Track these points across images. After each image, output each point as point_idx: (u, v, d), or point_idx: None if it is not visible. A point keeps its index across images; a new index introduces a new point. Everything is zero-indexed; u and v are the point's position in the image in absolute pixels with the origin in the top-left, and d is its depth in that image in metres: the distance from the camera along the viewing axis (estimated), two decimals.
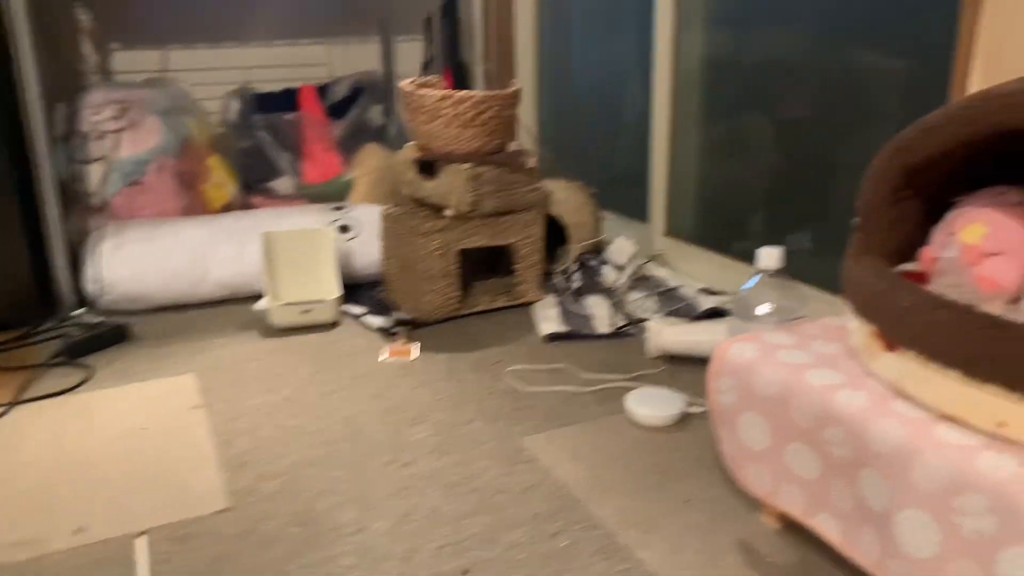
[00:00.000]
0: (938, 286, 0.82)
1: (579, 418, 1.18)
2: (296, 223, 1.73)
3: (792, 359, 0.82)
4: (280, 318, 1.54)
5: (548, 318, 1.54)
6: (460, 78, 2.33)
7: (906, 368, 0.72)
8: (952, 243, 0.83)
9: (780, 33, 1.62)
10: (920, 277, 0.85)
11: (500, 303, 1.63)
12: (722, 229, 1.82)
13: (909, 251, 0.89)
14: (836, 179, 1.56)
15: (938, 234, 0.88)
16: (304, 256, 1.65)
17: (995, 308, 0.74)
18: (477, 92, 1.48)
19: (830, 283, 1.54)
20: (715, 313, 1.49)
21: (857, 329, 0.80)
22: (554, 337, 1.48)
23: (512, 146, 1.61)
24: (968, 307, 0.66)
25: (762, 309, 0.96)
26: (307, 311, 1.54)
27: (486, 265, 1.74)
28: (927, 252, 0.87)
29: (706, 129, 1.83)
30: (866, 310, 0.78)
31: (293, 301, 1.54)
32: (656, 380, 1.30)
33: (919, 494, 0.66)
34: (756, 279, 0.98)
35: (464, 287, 1.63)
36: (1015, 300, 0.82)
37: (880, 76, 1.44)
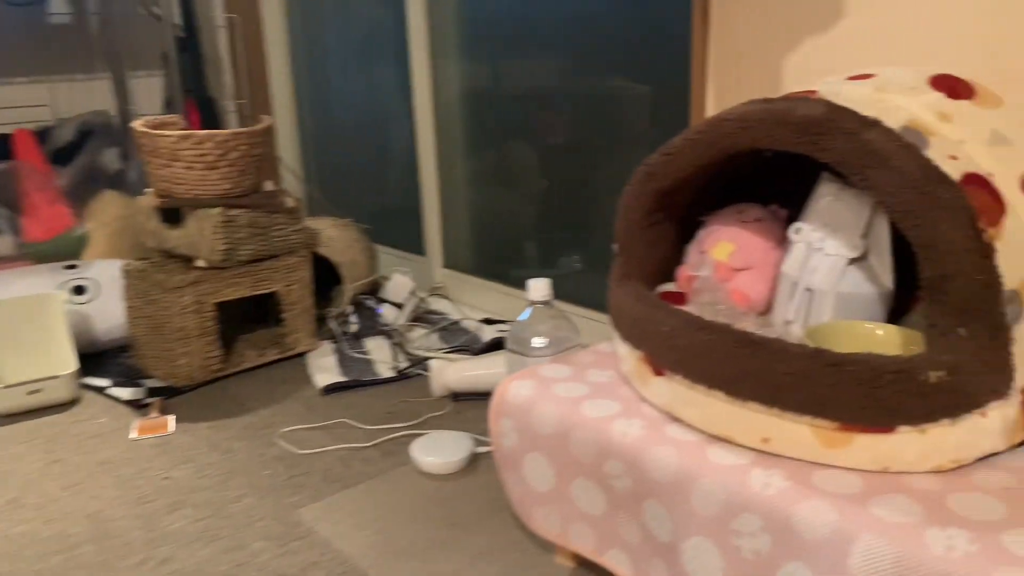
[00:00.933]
0: (697, 304, 0.84)
1: (362, 477, 1.09)
2: (18, 288, 1.48)
3: (568, 392, 0.80)
4: (3, 403, 1.30)
5: (324, 368, 1.44)
6: (209, 115, 2.16)
7: (674, 392, 0.71)
8: (705, 261, 0.85)
9: (533, 62, 1.65)
10: (680, 297, 0.86)
11: (270, 357, 1.50)
12: (498, 257, 1.81)
13: (668, 272, 0.91)
14: (599, 201, 1.60)
15: (692, 253, 0.90)
16: (29, 326, 1.42)
17: (750, 322, 0.76)
18: (221, 131, 1.35)
19: (603, 304, 1.58)
20: (499, 344, 1.47)
21: (627, 355, 0.80)
22: (332, 388, 1.38)
23: (268, 186, 1.50)
24: (724, 327, 0.67)
25: (537, 342, 0.93)
26: (36, 391, 1.32)
27: (250, 316, 1.60)
28: (683, 271, 0.89)
29: (473, 159, 1.83)
30: (632, 335, 0.77)
31: (17, 381, 1.32)
32: (443, 423, 1.24)
33: (700, 521, 0.65)
34: (528, 311, 0.96)
35: (226, 344, 1.48)
36: (766, 312, 0.86)
37: (630, 101, 1.50)
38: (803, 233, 0.75)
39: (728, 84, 1.12)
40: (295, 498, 1.05)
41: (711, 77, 1.13)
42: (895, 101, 0.70)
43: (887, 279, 0.72)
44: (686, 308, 0.84)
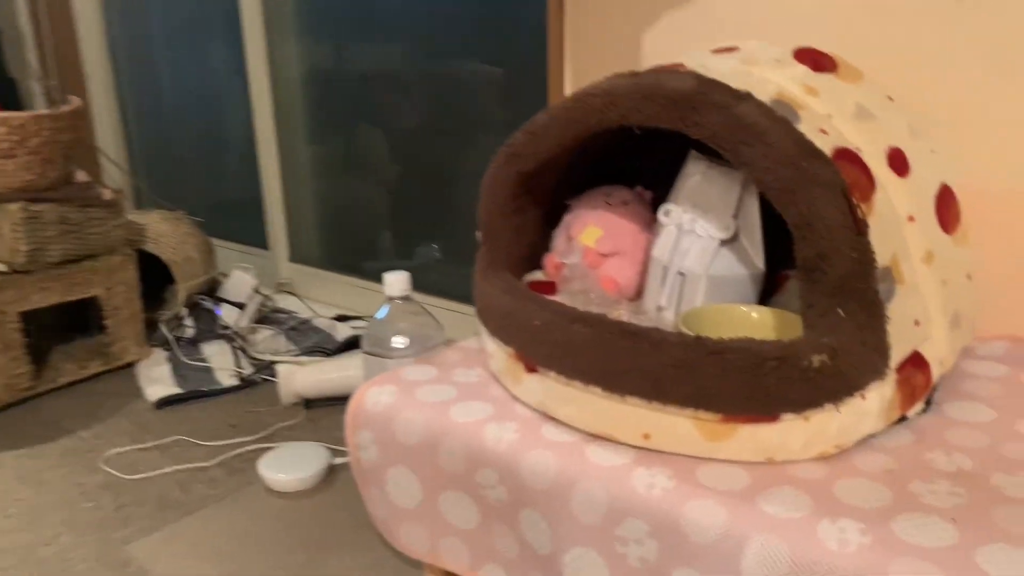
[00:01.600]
0: (567, 293, 0.79)
1: (204, 501, 0.97)
2: None
3: (434, 396, 0.73)
4: None
5: (157, 379, 1.29)
6: (11, 98, 1.91)
7: (549, 389, 0.66)
8: (573, 248, 0.80)
9: (381, 43, 1.56)
10: (549, 287, 0.81)
11: (93, 369, 1.33)
12: (350, 249, 1.71)
13: (536, 259, 0.85)
14: (455, 187, 1.54)
15: (558, 239, 0.85)
16: None
17: (623, 310, 0.72)
18: (17, 114, 1.17)
19: (466, 295, 1.52)
20: (355, 343, 1.37)
21: (496, 351, 0.73)
22: (166, 402, 1.23)
23: (81, 176, 1.32)
24: (600, 318, 0.62)
25: (397, 341, 0.85)
26: None
27: (68, 325, 1.41)
28: (551, 259, 0.84)
29: (318, 144, 1.71)
30: (501, 331, 0.71)
31: None
32: (295, 434, 1.13)
33: (581, 529, 0.60)
34: (385, 309, 0.87)
35: (38, 358, 1.29)
36: (635, 298, 0.82)
37: (484, 83, 1.45)
38: (673, 215, 0.72)
39: (586, 61, 1.08)
40: (124, 532, 0.92)
41: (569, 55, 1.09)
42: (762, 74, 0.67)
43: (759, 260, 0.70)
44: (556, 298, 0.78)
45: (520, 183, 0.75)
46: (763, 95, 0.63)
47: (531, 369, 0.68)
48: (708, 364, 0.57)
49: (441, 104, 1.52)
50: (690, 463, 0.59)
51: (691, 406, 0.58)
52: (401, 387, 0.74)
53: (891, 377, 0.60)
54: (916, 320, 0.63)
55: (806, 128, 0.62)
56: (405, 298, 0.86)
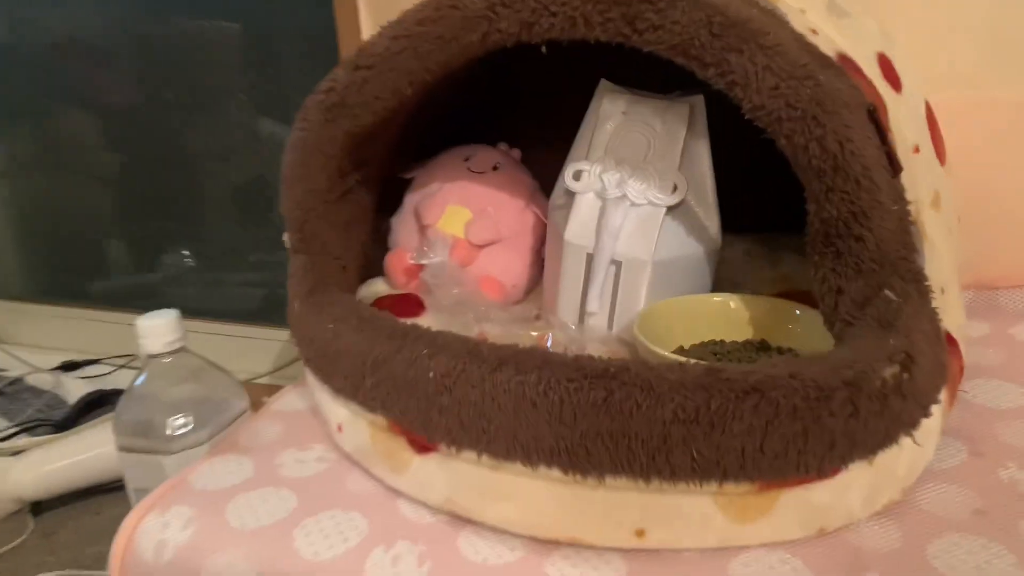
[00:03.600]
0: (438, 310, 0.54)
1: None
2: None
3: (261, 514, 0.44)
4: None
5: None
6: None
7: (463, 479, 0.41)
8: (434, 240, 0.54)
9: (72, 6, 1.18)
10: (408, 303, 0.55)
11: None
12: (67, 270, 1.30)
13: (374, 264, 0.59)
14: (199, 171, 1.21)
15: (402, 229, 0.59)
16: None
17: (557, 328, 0.48)
18: None
19: (241, 309, 1.20)
20: (99, 401, 0.99)
21: (352, 421, 0.46)
22: None
23: None
24: (544, 357, 0.38)
25: (177, 423, 0.54)
26: None
27: None
28: (398, 259, 0.57)
29: (2, 139, 1.28)
30: (358, 389, 0.44)
31: None
32: (22, 558, 0.77)
33: None
34: (144, 376, 0.55)
35: None
36: (522, 300, 0.59)
37: (219, 41, 1.15)
38: (588, 178, 0.49)
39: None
40: None
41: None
42: None
43: (714, 229, 0.50)
44: (426, 319, 0.53)
45: (347, 151, 0.48)
46: None
47: (424, 448, 0.42)
48: (739, 411, 0.35)
49: (164, 73, 1.19)
50: (714, 560, 0.38)
51: (713, 479, 0.37)
52: (199, 506, 0.45)
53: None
54: (942, 288, 0.46)
55: (797, 26, 0.41)
56: (177, 351, 0.54)
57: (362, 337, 0.43)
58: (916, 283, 0.40)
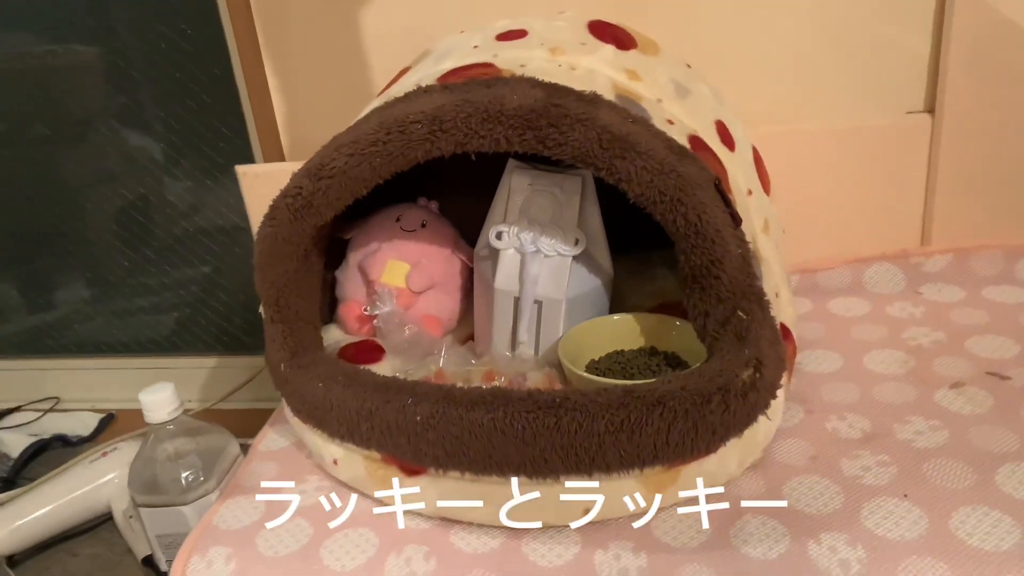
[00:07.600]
0: (395, 353, 0.65)
1: None
2: None
3: (287, 542, 0.55)
4: None
5: None
6: None
7: (449, 490, 0.53)
8: (381, 293, 0.66)
9: None
10: (369, 350, 0.66)
11: None
12: None
13: (328, 316, 0.69)
14: (76, 201, 1.20)
15: (348, 283, 0.70)
16: None
17: (498, 361, 0.61)
18: None
19: (151, 340, 1.22)
20: (43, 448, 1.03)
21: (347, 457, 0.58)
22: None
23: None
24: (505, 396, 0.51)
25: (187, 478, 0.62)
26: None
27: None
28: (351, 311, 0.68)
29: None
30: (354, 435, 0.56)
31: None
32: None
33: None
34: (150, 441, 0.63)
35: None
36: (454, 328, 0.71)
37: (78, 67, 1.15)
38: (507, 237, 0.61)
39: (288, 45, 0.88)
40: None
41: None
42: (580, 63, 0.59)
43: (607, 265, 0.64)
44: (386, 364, 0.64)
45: (314, 239, 0.58)
46: (605, 92, 0.55)
47: (414, 472, 0.55)
48: (649, 418, 0.50)
49: (21, 103, 1.17)
50: (640, 520, 0.53)
51: (635, 467, 0.51)
52: (232, 544, 0.55)
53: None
54: (776, 292, 0.62)
55: (658, 123, 0.55)
56: (176, 418, 0.63)
57: (352, 392, 0.55)
58: (758, 301, 0.56)
